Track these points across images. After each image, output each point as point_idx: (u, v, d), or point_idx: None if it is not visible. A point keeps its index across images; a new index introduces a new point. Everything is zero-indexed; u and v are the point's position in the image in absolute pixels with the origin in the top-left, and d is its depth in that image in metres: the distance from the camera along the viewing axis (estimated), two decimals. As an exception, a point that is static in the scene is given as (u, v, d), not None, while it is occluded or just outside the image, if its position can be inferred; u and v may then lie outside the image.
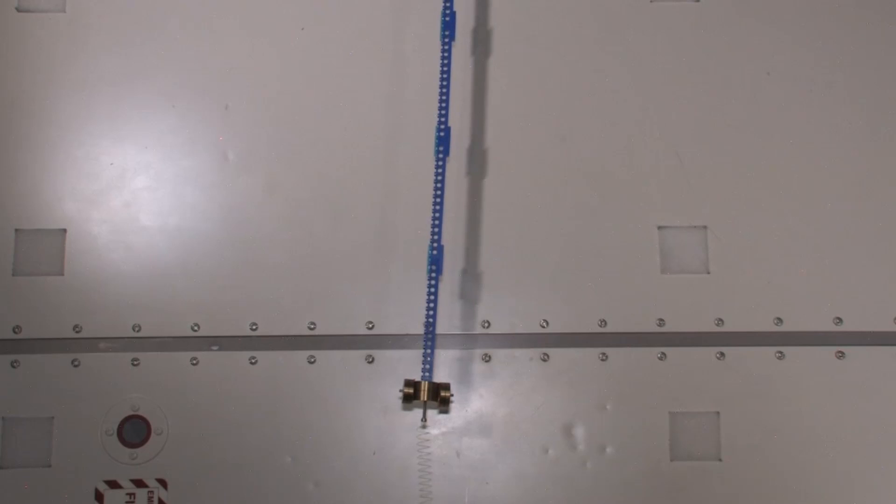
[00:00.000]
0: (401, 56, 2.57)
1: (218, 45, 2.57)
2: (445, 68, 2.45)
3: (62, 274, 2.44)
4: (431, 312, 2.33)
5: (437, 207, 2.37)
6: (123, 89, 2.54)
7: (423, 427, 2.41)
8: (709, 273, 2.48)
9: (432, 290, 2.33)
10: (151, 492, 2.37)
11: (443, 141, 2.40)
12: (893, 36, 2.60)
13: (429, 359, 2.31)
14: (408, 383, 2.29)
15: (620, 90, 2.56)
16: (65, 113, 2.52)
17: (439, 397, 2.28)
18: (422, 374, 2.30)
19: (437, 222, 2.36)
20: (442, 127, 2.41)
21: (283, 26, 2.58)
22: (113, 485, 2.37)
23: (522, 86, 2.57)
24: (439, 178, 2.38)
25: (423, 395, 2.27)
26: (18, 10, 2.57)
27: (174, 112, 2.54)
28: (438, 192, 2.38)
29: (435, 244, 2.34)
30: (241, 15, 2.58)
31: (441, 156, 2.39)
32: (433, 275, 2.33)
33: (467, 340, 2.45)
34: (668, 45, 2.59)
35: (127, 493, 2.37)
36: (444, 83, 2.44)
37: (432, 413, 2.41)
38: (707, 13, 2.61)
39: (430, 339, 2.32)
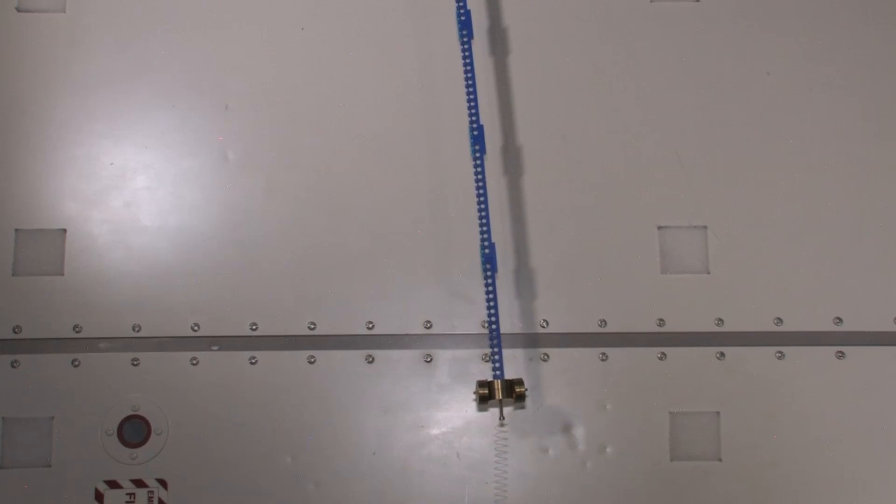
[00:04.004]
0: (402, 55, 2.57)
1: (218, 45, 2.57)
2: (469, 67, 2.44)
3: (62, 274, 2.44)
4: (493, 310, 2.32)
5: (483, 206, 2.36)
6: (123, 89, 2.54)
7: (502, 425, 2.40)
8: (709, 273, 2.48)
9: (490, 287, 2.33)
10: (151, 492, 2.37)
11: (478, 139, 2.39)
12: (893, 36, 2.60)
13: (497, 356, 2.30)
14: (481, 384, 2.29)
15: (620, 90, 2.56)
16: (65, 113, 2.52)
17: (515, 393, 2.27)
18: (493, 372, 2.30)
19: (483, 221, 2.35)
20: (474, 125, 2.40)
21: (283, 26, 2.58)
22: (113, 485, 2.37)
23: (520, 85, 2.56)
24: (479, 176, 2.37)
25: (499, 394, 2.27)
26: (18, 10, 2.57)
27: (174, 112, 2.54)
28: (481, 192, 2.37)
29: (486, 243, 2.34)
30: (242, 15, 2.58)
31: (478, 155, 2.38)
32: (489, 273, 2.33)
33: (467, 341, 2.44)
34: (668, 45, 2.59)
35: (127, 493, 2.37)
36: (470, 81, 2.43)
37: (430, 413, 2.41)
38: (707, 13, 2.61)
39: (495, 336, 2.31)
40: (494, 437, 2.41)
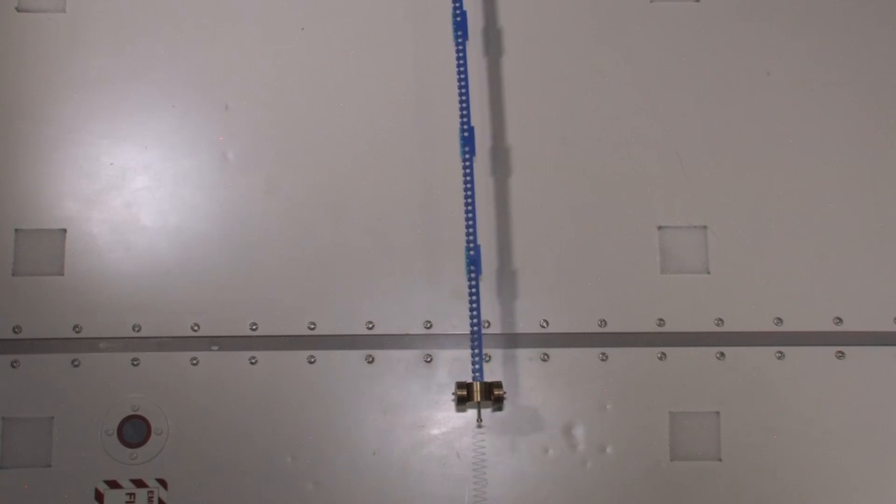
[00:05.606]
0: (402, 56, 2.57)
1: (218, 45, 2.57)
2: (462, 68, 2.44)
3: (62, 274, 2.44)
4: (475, 312, 2.33)
5: (469, 208, 2.37)
6: (123, 89, 2.54)
7: (479, 427, 2.40)
8: (709, 273, 2.48)
9: (473, 290, 2.33)
10: (151, 492, 2.37)
11: (468, 141, 2.40)
12: (893, 36, 2.60)
13: (477, 359, 2.30)
14: (460, 385, 2.30)
15: (620, 90, 2.56)
16: (65, 113, 2.52)
17: (493, 396, 2.28)
18: (472, 374, 2.31)
19: (470, 223, 2.36)
20: (465, 127, 2.40)
21: (284, 26, 2.58)
22: (113, 485, 2.37)
23: (521, 86, 2.56)
24: (468, 178, 2.38)
25: (477, 396, 2.27)
26: (18, 10, 2.57)
27: (174, 112, 2.54)
28: (469, 193, 2.37)
29: (471, 245, 2.34)
30: (242, 15, 2.58)
31: (468, 157, 2.39)
32: (473, 275, 2.33)
33: (467, 341, 2.44)
34: (668, 45, 2.59)
35: (127, 493, 2.37)
36: (462, 83, 2.43)
37: (430, 413, 2.41)
38: (707, 13, 2.61)
39: (476, 338, 2.32)
40: (492, 438, 2.41)
